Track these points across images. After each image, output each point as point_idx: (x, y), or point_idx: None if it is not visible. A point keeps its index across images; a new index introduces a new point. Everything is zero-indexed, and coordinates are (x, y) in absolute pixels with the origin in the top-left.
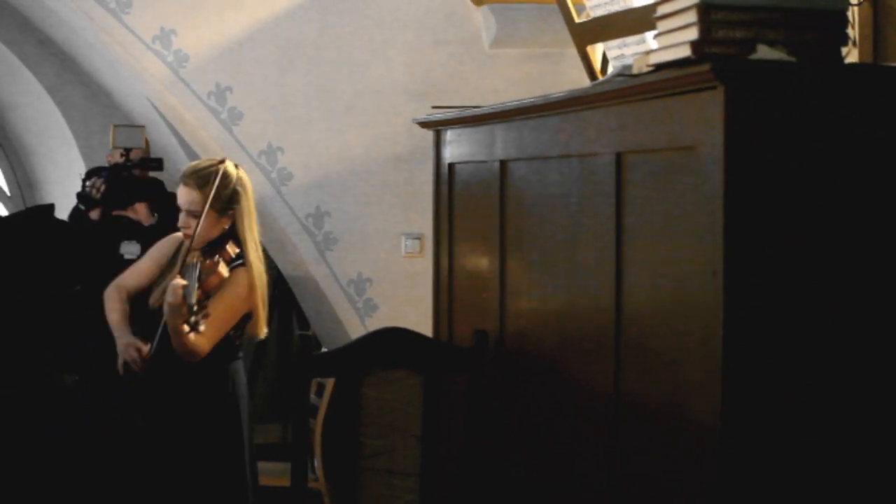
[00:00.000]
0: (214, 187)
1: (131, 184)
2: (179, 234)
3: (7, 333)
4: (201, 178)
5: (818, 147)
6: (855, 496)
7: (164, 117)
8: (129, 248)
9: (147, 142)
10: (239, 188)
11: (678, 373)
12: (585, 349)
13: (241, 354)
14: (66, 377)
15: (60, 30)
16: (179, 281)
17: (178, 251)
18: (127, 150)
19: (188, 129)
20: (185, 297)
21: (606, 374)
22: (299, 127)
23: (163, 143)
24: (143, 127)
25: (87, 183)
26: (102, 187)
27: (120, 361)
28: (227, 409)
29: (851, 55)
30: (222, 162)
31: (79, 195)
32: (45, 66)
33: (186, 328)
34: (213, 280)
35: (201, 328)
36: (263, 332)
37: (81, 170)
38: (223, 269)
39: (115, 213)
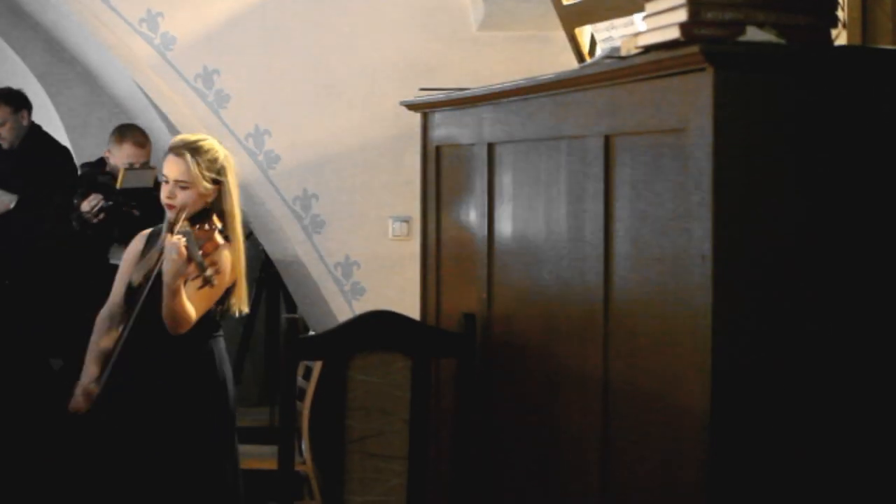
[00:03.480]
0: (206, 157)
1: (130, 221)
2: (143, 232)
3: None
4: (193, 148)
5: (807, 129)
6: (846, 481)
7: (151, 100)
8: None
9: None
10: (226, 163)
11: (667, 357)
12: (574, 333)
13: (221, 332)
14: (52, 361)
15: (48, 13)
16: (178, 238)
17: (149, 243)
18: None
19: (175, 111)
20: (189, 252)
21: (595, 358)
22: (286, 109)
23: (149, 126)
24: (153, 168)
25: (86, 206)
26: (101, 216)
27: (71, 402)
28: (215, 384)
29: (841, 37)
30: (207, 138)
31: (76, 216)
32: (33, 49)
33: (192, 284)
34: (209, 246)
35: (216, 282)
36: (246, 308)
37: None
38: (218, 237)
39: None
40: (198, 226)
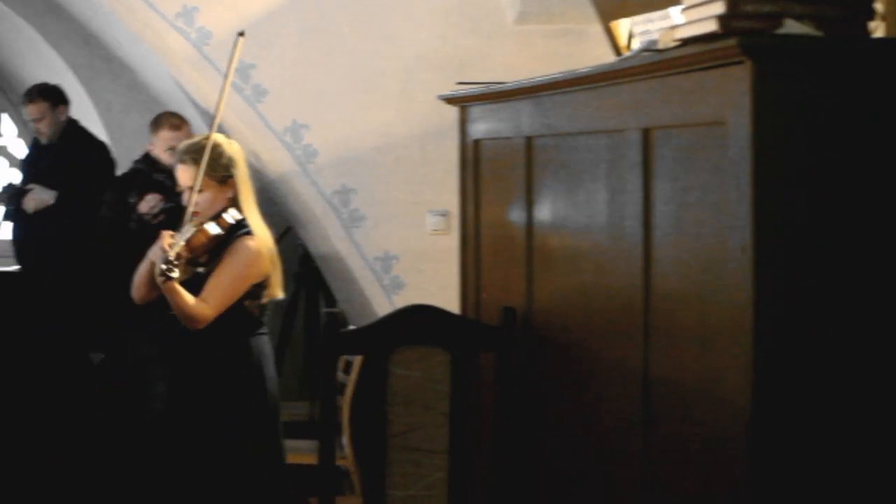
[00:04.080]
0: (211, 157)
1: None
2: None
3: (38, 313)
4: (195, 152)
5: (845, 121)
6: (889, 478)
7: (188, 94)
8: None
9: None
10: (234, 156)
11: (708, 350)
12: (614, 327)
13: (265, 330)
14: (92, 355)
15: (85, 8)
16: (166, 234)
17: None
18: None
19: (212, 106)
20: (166, 249)
21: (635, 352)
22: (324, 103)
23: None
24: None
25: (144, 208)
26: (161, 217)
27: (157, 271)
28: (251, 381)
29: (878, 30)
30: (209, 135)
31: (135, 218)
32: (70, 44)
33: (211, 281)
34: (199, 237)
35: (173, 275)
36: (280, 293)
37: None
38: (210, 228)
39: None
40: (213, 222)
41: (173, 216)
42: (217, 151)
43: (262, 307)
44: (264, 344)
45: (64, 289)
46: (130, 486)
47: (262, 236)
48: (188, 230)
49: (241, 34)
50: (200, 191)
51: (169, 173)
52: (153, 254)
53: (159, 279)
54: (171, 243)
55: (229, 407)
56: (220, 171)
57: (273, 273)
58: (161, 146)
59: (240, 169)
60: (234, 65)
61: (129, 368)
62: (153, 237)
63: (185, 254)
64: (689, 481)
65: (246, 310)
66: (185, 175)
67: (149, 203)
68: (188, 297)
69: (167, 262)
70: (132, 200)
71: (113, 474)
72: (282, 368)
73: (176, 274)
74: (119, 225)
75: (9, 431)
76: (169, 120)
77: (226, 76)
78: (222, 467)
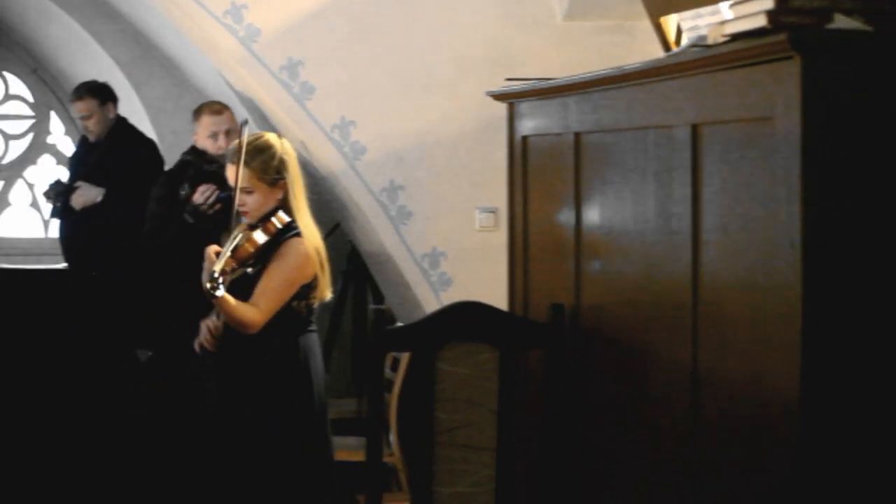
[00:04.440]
0: (261, 159)
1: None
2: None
3: (86, 311)
4: (246, 153)
5: (895, 116)
6: None
7: (236, 92)
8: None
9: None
10: (285, 157)
11: (756, 346)
12: (662, 323)
13: (313, 328)
14: (140, 353)
15: (133, 6)
16: (213, 248)
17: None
18: None
19: (261, 104)
20: (212, 261)
21: (684, 348)
22: (372, 100)
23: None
24: None
25: (199, 198)
26: (217, 206)
27: (203, 287)
28: (299, 379)
29: None
30: (262, 136)
31: (189, 209)
32: (118, 42)
33: (260, 285)
34: (246, 247)
35: (218, 293)
36: (328, 295)
37: None
38: (257, 237)
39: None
40: (261, 225)
41: (229, 205)
42: (269, 153)
43: (311, 307)
44: (313, 342)
45: (111, 286)
46: (178, 485)
47: (311, 238)
48: (234, 240)
49: (245, 123)
50: (250, 192)
51: (220, 163)
52: (205, 262)
53: (207, 295)
54: (217, 255)
55: (277, 406)
56: (270, 174)
57: (321, 275)
58: (203, 133)
59: (291, 171)
60: (254, 145)
61: (179, 366)
62: (211, 228)
63: (231, 266)
64: (738, 475)
65: (294, 310)
66: (233, 176)
67: (203, 194)
68: (238, 306)
69: (212, 278)
70: (184, 193)
71: (159, 472)
72: (329, 365)
73: (221, 291)
74: (168, 220)
75: (54, 428)
76: (209, 106)
77: (237, 162)
78: (272, 466)
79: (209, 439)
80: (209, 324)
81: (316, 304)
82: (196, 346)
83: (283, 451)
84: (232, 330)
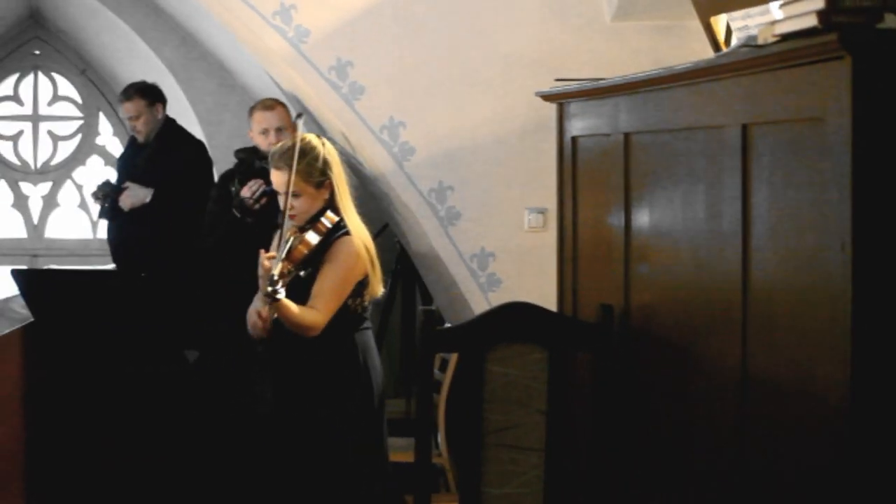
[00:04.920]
0: (305, 161)
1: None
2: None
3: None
4: (290, 157)
5: None
6: None
7: (285, 92)
8: None
9: (279, 140)
10: (328, 157)
11: (806, 348)
12: (712, 323)
13: (368, 325)
14: (189, 353)
15: (182, 7)
16: (267, 254)
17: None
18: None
19: (310, 104)
20: (269, 269)
21: (733, 349)
22: (421, 101)
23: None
24: None
25: (247, 192)
26: (263, 200)
27: (262, 293)
28: (359, 375)
29: None
30: (303, 138)
31: (237, 203)
32: (166, 43)
33: (317, 287)
34: (301, 249)
35: (279, 297)
36: (380, 290)
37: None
38: (310, 237)
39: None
40: (312, 226)
41: (274, 199)
42: (312, 156)
43: (365, 304)
44: (369, 339)
45: (159, 287)
46: (235, 487)
47: (360, 235)
48: (287, 243)
49: (300, 116)
50: (297, 195)
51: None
52: (259, 269)
53: (266, 300)
54: (272, 261)
55: (337, 405)
56: (315, 176)
57: (372, 271)
58: (256, 129)
59: (335, 170)
60: (298, 147)
61: (232, 367)
62: (260, 223)
63: (287, 268)
64: (787, 476)
65: (349, 308)
66: (278, 180)
67: (251, 188)
68: (298, 310)
69: (272, 282)
70: (234, 189)
71: (212, 474)
72: None
73: (282, 294)
74: (222, 218)
75: (106, 431)
76: (262, 102)
77: (283, 167)
78: (329, 467)
79: (263, 440)
80: (256, 310)
81: (368, 301)
82: (249, 327)
83: (340, 451)
84: (287, 330)
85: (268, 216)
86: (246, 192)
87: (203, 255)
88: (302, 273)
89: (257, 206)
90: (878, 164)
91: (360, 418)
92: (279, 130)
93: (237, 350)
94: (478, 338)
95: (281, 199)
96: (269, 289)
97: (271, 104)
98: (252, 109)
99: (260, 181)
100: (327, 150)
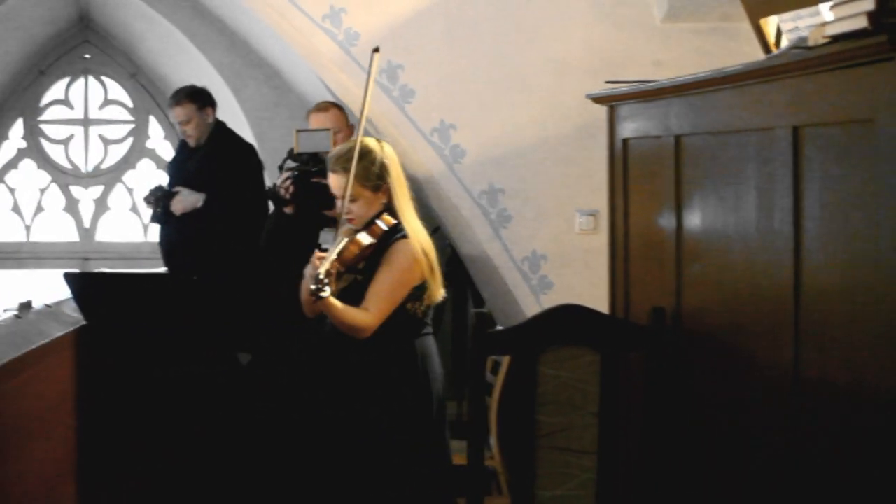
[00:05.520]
0: (362, 165)
1: (317, 189)
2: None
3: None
4: (347, 160)
5: None
6: None
7: (335, 95)
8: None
9: (335, 143)
10: (386, 161)
11: (859, 350)
12: (764, 326)
13: (429, 330)
14: (241, 356)
15: (231, 10)
16: (317, 253)
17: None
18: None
19: (360, 108)
20: (316, 266)
21: (785, 351)
22: (472, 104)
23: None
24: (328, 130)
25: (278, 181)
26: (291, 188)
27: (307, 289)
28: (419, 387)
29: None
30: (360, 142)
31: (270, 193)
32: (216, 46)
33: (371, 290)
34: (352, 250)
35: (323, 294)
36: (440, 294)
37: None
38: (362, 238)
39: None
40: (365, 232)
41: (301, 184)
42: (369, 159)
43: (426, 309)
44: (429, 344)
45: (212, 290)
46: (286, 487)
47: (419, 238)
48: (339, 244)
49: (377, 50)
50: (354, 199)
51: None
52: (308, 268)
53: (311, 297)
54: (321, 259)
55: (396, 411)
56: (372, 180)
57: (431, 276)
58: None
59: (393, 173)
60: (373, 80)
61: (287, 371)
62: (301, 213)
63: (336, 268)
64: (839, 481)
65: (408, 312)
66: (336, 184)
67: (281, 178)
68: (347, 310)
69: (317, 280)
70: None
71: (263, 475)
72: None
73: (327, 292)
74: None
75: (157, 433)
76: (318, 105)
77: (365, 92)
78: (388, 472)
79: (323, 445)
80: (314, 261)
81: (429, 305)
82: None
83: (399, 456)
84: (347, 336)
85: (315, 214)
86: (278, 182)
87: (258, 257)
88: (359, 277)
89: (287, 195)
90: None
91: (412, 420)
92: (334, 133)
93: (288, 354)
94: (530, 340)
95: (337, 205)
96: (314, 286)
97: (325, 106)
98: (308, 112)
99: (289, 179)
100: (385, 154)
